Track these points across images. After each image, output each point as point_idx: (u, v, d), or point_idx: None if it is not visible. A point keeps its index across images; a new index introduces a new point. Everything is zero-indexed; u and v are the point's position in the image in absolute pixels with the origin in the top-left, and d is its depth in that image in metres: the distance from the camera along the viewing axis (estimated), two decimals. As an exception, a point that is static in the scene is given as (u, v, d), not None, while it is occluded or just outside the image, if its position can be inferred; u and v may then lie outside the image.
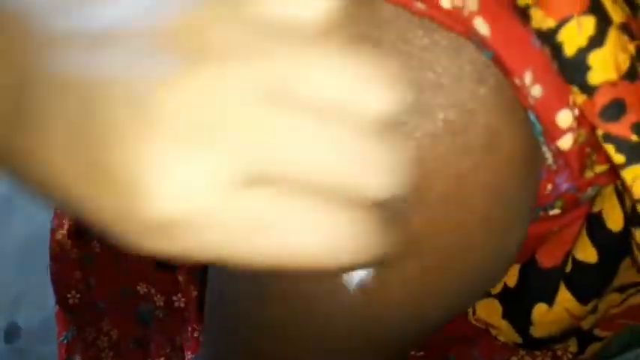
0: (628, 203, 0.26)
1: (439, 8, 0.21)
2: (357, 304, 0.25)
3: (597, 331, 0.40)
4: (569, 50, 0.21)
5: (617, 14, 0.22)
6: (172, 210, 0.14)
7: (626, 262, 0.32)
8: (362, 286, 0.21)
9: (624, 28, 0.22)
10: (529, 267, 0.34)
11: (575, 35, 0.21)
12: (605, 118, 0.23)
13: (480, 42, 0.21)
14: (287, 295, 0.26)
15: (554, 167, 0.25)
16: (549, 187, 0.26)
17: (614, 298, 0.36)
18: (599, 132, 0.23)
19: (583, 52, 0.21)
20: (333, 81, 0.15)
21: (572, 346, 0.41)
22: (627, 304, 0.37)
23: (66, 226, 0.63)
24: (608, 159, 0.25)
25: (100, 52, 0.15)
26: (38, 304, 1.21)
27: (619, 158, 0.23)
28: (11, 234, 1.34)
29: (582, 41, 0.21)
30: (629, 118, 0.23)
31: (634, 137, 0.23)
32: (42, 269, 1.23)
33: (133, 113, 0.14)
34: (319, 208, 0.15)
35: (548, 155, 0.25)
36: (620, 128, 0.23)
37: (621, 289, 0.36)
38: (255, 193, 0.14)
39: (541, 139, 0.24)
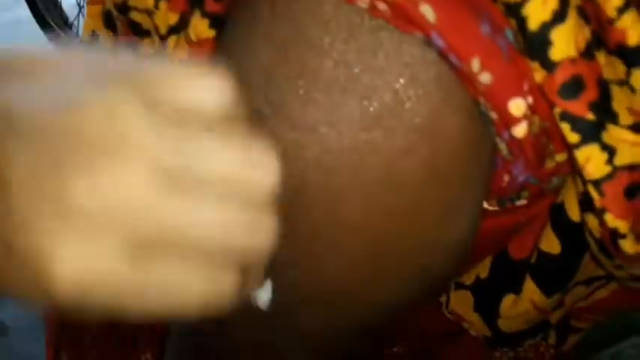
0: (580, 187, 0.26)
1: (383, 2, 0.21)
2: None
3: (574, 322, 0.41)
4: (534, 24, 0.22)
5: None
6: (67, 286, 0.16)
7: (589, 256, 0.32)
8: (269, 304, 0.22)
9: (580, 10, 0.22)
10: (500, 259, 0.35)
11: (540, 9, 0.21)
12: (563, 95, 0.23)
13: (425, 29, 0.21)
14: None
15: (509, 157, 0.25)
16: (506, 177, 0.26)
17: (580, 291, 0.36)
18: (557, 110, 0.23)
19: (546, 27, 0.22)
20: (226, 162, 0.16)
21: (551, 337, 0.42)
22: (594, 297, 0.37)
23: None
24: (565, 145, 0.25)
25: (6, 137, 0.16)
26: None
27: (573, 137, 0.24)
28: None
29: (546, 15, 0.22)
30: (587, 95, 0.23)
31: (590, 115, 0.23)
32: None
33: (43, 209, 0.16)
34: (194, 269, 0.17)
35: (502, 146, 0.25)
36: (578, 106, 0.23)
37: (587, 282, 0.36)
38: (140, 262, 0.16)
39: (492, 128, 0.24)
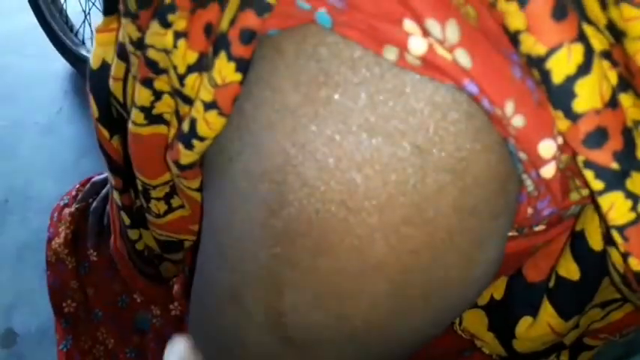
0: (603, 226, 0.26)
1: (425, 60, 0.21)
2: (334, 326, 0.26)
3: (587, 340, 0.41)
4: (558, 78, 0.21)
5: (598, 42, 0.22)
6: None
7: (607, 280, 0.31)
8: None
9: (606, 55, 0.22)
10: (516, 280, 0.34)
11: (564, 63, 0.21)
12: (588, 145, 0.23)
13: (458, 76, 0.21)
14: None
15: (535, 193, 0.25)
16: (530, 210, 0.26)
17: (595, 313, 0.36)
18: (581, 158, 0.23)
19: (571, 80, 0.22)
20: None
21: (564, 355, 0.42)
22: (608, 319, 0.37)
23: (62, 235, 0.64)
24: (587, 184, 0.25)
25: None
26: (34, 310, 1.21)
27: (597, 185, 0.23)
28: (6, 240, 1.34)
29: (571, 69, 0.21)
30: (611, 145, 0.23)
31: (614, 165, 0.23)
32: (37, 275, 1.24)
33: None
34: None
35: (529, 182, 0.25)
36: (602, 155, 0.23)
37: (602, 305, 0.36)
38: None
39: (520, 166, 0.24)
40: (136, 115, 0.30)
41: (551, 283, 0.32)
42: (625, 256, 0.25)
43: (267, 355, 0.28)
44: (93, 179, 0.67)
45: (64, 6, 1.71)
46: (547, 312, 0.32)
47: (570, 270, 0.30)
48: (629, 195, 0.23)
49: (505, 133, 0.23)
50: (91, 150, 1.50)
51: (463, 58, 0.21)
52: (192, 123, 0.25)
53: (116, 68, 0.32)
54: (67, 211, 0.65)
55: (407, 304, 0.26)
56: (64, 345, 0.62)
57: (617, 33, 0.22)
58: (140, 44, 0.27)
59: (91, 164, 1.44)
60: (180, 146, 0.27)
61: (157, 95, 0.29)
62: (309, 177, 0.23)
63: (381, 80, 0.22)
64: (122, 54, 0.31)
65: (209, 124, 0.25)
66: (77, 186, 0.68)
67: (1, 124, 1.58)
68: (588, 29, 0.22)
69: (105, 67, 0.34)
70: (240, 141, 0.25)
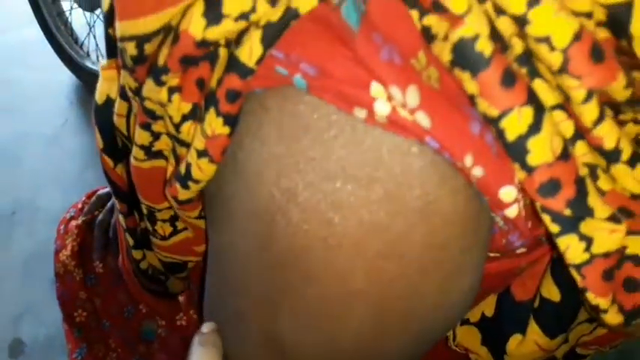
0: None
1: (386, 118, 0.23)
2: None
3: (580, 350, 0.42)
4: (511, 136, 0.23)
5: (552, 97, 0.24)
6: None
7: None
8: None
9: (559, 107, 0.24)
10: (504, 298, 0.36)
11: (516, 124, 0.23)
12: (542, 194, 0.24)
13: (420, 135, 0.23)
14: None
15: (505, 228, 0.27)
16: (503, 241, 0.29)
17: (583, 328, 0.37)
18: (538, 204, 0.25)
19: (523, 139, 0.23)
20: None
21: None
22: (596, 333, 0.38)
23: (69, 247, 0.65)
24: None
25: None
26: (41, 320, 1.22)
27: (554, 228, 0.25)
28: (14, 250, 1.35)
29: (522, 129, 0.23)
30: (564, 194, 0.24)
31: (567, 212, 0.25)
32: (44, 285, 1.25)
33: None
34: None
35: (498, 219, 0.27)
36: (556, 203, 0.25)
37: (590, 320, 0.37)
38: None
39: (487, 205, 0.26)
40: (136, 152, 0.33)
41: (536, 304, 0.34)
42: (583, 291, 0.27)
43: None
44: (98, 192, 0.69)
45: (69, 19, 1.73)
46: (533, 330, 0.34)
47: (551, 292, 0.33)
48: (583, 237, 0.25)
49: (469, 180, 0.25)
50: (96, 161, 1.50)
51: (423, 119, 0.23)
52: (188, 167, 0.28)
53: (119, 106, 0.34)
54: (73, 223, 0.66)
55: (389, 328, 0.28)
56: (77, 354, 0.63)
57: (566, 93, 0.24)
58: (138, 92, 0.29)
59: (96, 175, 1.45)
60: (178, 186, 0.30)
61: (156, 136, 0.31)
62: (292, 218, 0.25)
63: (353, 134, 0.24)
64: (124, 95, 0.33)
65: (202, 169, 0.28)
66: (83, 199, 0.69)
67: (7, 135, 1.60)
68: (541, 85, 0.23)
69: (109, 102, 0.36)
70: (235, 184, 0.27)
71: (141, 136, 0.31)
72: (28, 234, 1.38)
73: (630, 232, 0.26)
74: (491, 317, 0.37)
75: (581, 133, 0.25)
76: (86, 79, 1.72)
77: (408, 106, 0.23)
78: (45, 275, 1.27)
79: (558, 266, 0.31)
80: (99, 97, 0.37)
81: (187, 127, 0.28)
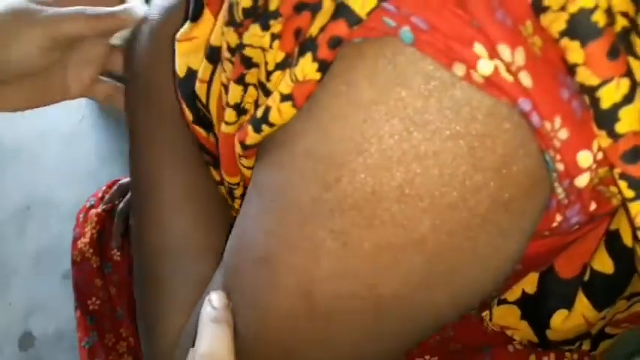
0: (631, 226, 0.30)
1: (488, 80, 0.25)
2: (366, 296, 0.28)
3: (609, 329, 0.43)
4: (606, 104, 0.25)
5: (639, 75, 0.26)
6: None
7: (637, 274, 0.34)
8: None
9: None
10: (548, 276, 0.37)
11: (613, 93, 0.25)
12: (625, 160, 0.26)
13: (520, 95, 0.25)
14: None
15: (565, 201, 0.28)
16: (559, 217, 0.29)
17: (621, 305, 0.39)
18: (617, 170, 0.27)
19: (616, 107, 0.25)
20: None
21: (586, 345, 0.44)
22: (631, 310, 0.40)
23: (88, 235, 0.65)
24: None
25: None
26: (52, 314, 1.23)
27: (629, 193, 0.27)
28: (27, 245, 1.36)
29: (617, 98, 0.25)
30: None
31: None
32: (56, 279, 1.26)
33: None
34: None
35: (560, 190, 0.28)
36: (636, 170, 0.26)
37: (628, 298, 0.38)
38: None
39: (554, 174, 0.27)
40: (228, 115, 0.33)
41: (586, 277, 0.35)
42: None
43: (288, 319, 0.30)
44: (120, 181, 0.69)
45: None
46: (582, 304, 0.35)
47: (605, 264, 0.34)
48: None
49: (546, 145, 0.26)
50: (112, 158, 1.52)
51: (525, 79, 0.25)
52: (266, 110, 0.29)
53: (203, 70, 0.35)
54: (93, 211, 0.67)
55: (434, 279, 0.28)
56: (86, 342, 0.64)
57: None
58: (236, 49, 0.31)
59: (112, 172, 1.47)
60: (250, 129, 0.30)
61: (246, 88, 0.32)
62: (372, 164, 0.26)
63: (448, 90, 0.25)
64: (212, 56, 0.34)
65: (281, 113, 0.28)
66: (104, 188, 0.70)
67: (24, 133, 1.61)
68: (634, 63, 0.25)
69: (191, 74, 0.37)
70: (308, 124, 0.28)
71: (234, 93, 0.32)
72: (42, 229, 1.39)
73: None
74: (533, 295, 0.38)
75: None
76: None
77: (515, 64, 0.24)
78: (57, 270, 1.28)
79: (614, 240, 0.33)
80: (180, 70, 0.38)
81: (277, 76, 0.29)
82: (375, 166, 0.26)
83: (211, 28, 0.36)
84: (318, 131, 0.27)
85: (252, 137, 0.30)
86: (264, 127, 0.29)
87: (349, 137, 0.26)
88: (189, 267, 0.40)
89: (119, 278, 0.65)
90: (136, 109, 0.46)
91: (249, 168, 0.34)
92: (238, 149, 0.32)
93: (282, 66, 0.28)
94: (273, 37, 0.28)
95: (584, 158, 0.27)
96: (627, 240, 0.32)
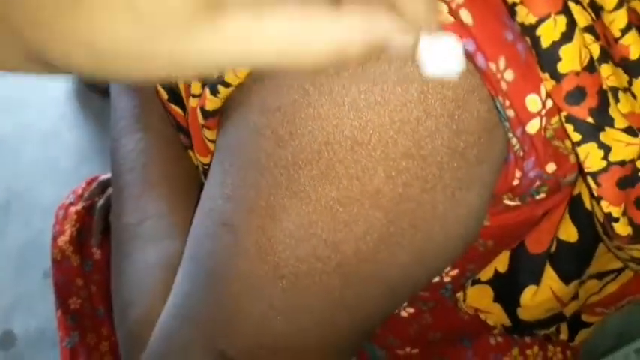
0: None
1: None
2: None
3: (585, 317, 0.43)
4: (545, 43, 0.26)
5: (583, 19, 0.26)
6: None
7: (603, 248, 0.35)
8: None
9: (589, 30, 0.26)
10: (519, 252, 0.37)
11: (551, 30, 0.26)
12: (568, 101, 0.27)
13: (462, 33, 0.25)
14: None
15: (520, 153, 0.29)
16: (518, 174, 0.29)
17: (593, 284, 0.39)
18: (563, 114, 0.27)
19: (556, 46, 0.26)
20: None
21: (563, 333, 0.44)
22: (605, 291, 0.40)
23: (68, 233, 0.64)
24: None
25: None
26: (33, 312, 1.22)
27: (576, 136, 0.27)
28: (8, 241, 1.35)
29: (556, 36, 0.26)
30: (588, 103, 0.27)
31: (589, 119, 0.27)
32: (37, 277, 1.25)
33: None
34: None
35: (514, 141, 0.28)
36: (580, 111, 0.27)
37: (599, 276, 0.39)
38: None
39: (506, 124, 0.27)
40: (194, 86, 0.33)
41: (552, 248, 0.35)
42: (598, 199, 0.29)
43: (252, 285, 0.29)
44: (99, 178, 0.68)
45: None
46: (549, 276, 0.35)
47: (569, 233, 0.34)
48: (602, 146, 0.27)
49: (495, 91, 0.26)
50: (92, 154, 1.51)
51: (466, 16, 0.25)
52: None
53: None
54: (72, 209, 0.66)
55: (396, 235, 0.28)
56: (68, 342, 0.63)
57: (597, 9, 0.27)
58: None
59: (93, 169, 1.45)
60: (207, 92, 0.30)
61: None
62: (323, 112, 0.26)
63: None
64: None
65: (236, 71, 0.28)
66: (83, 185, 0.69)
67: (5, 128, 1.59)
68: (574, 7, 0.26)
69: None
70: (260, 80, 0.28)
71: None
72: (23, 226, 1.37)
73: None
74: (504, 272, 0.38)
75: (606, 54, 0.27)
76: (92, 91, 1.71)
77: (454, 1, 0.25)
78: (38, 267, 1.26)
79: (576, 205, 0.33)
80: None
81: None
82: (328, 114, 0.26)
83: None
84: (270, 86, 0.27)
85: (210, 101, 0.30)
86: (220, 87, 0.29)
87: (301, 89, 0.26)
88: (163, 248, 0.40)
89: (100, 277, 0.65)
90: (119, 96, 0.46)
91: (212, 142, 0.34)
92: (200, 118, 0.32)
93: None
94: None
95: (533, 102, 0.27)
96: (589, 203, 0.32)
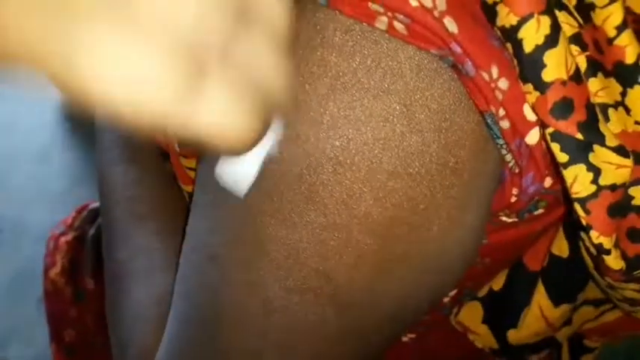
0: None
1: (413, 23, 0.23)
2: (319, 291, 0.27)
3: (587, 342, 0.41)
4: (528, 47, 0.24)
5: (569, 27, 0.24)
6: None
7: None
8: (267, 159, 0.20)
9: (575, 39, 0.25)
10: (516, 270, 0.35)
11: (534, 33, 0.23)
12: (555, 115, 0.24)
13: (447, 40, 0.23)
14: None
15: (516, 169, 0.27)
16: (515, 191, 0.28)
17: (588, 311, 0.37)
18: (549, 130, 0.25)
19: (540, 50, 0.24)
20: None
21: (565, 357, 0.42)
22: (601, 320, 0.38)
23: (59, 264, 0.63)
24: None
25: None
26: (28, 340, 1.20)
27: (563, 157, 0.25)
28: (0, 269, 1.33)
29: (539, 39, 0.24)
30: (576, 117, 0.25)
31: (579, 135, 0.25)
32: (31, 304, 1.23)
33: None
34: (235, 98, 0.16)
35: (509, 157, 0.26)
36: (568, 126, 0.25)
37: (595, 304, 0.36)
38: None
39: (500, 141, 0.26)
40: None
41: (545, 263, 0.33)
42: (587, 229, 0.26)
43: (244, 318, 0.28)
44: (90, 206, 0.67)
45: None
46: (539, 293, 0.34)
47: (562, 247, 0.32)
48: (591, 168, 0.25)
49: (487, 101, 0.24)
50: (84, 179, 1.49)
51: (450, 24, 0.23)
52: None
53: None
54: (63, 239, 0.65)
55: (389, 262, 0.26)
56: (65, 375, 0.62)
57: (586, 9, 0.25)
58: None
59: (84, 193, 1.44)
60: None
61: None
62: (302, 133, 0.24)
63: (374, 45, 0.23)
64: None
65: None
66: (73, 214, 0.68)
67: (-7, 153, 1.58)
68: (560, 15, 0.24)
69: None
70: None
71: None
72: (15, 252, 1.36)
73: (636, 182, 0.26)
74: (498, 291, 0.36)
75: (595, 66, 0.25)
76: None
77: (436, 9, 0.23)
78: (32, 294, 1.24)
79: (570, 220, 0.31)
80: None
81: None
82: (306, 135, 0.24)
83: None
84: None
85: None
86: None
87: None
88: (155, 284, 0.39)
89: (95, 306, 0.63)
90: (104, 127, 0.45)
91: (192, 169, 0.33)
92: (175, 149, 0.31)
93: None
94: None
95: (530, 111, 0.25)
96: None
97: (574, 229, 0.30)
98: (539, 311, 0.34)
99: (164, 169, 0.43)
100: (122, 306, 0.39)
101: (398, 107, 0.24)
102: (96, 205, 0.67)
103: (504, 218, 0.30)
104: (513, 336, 0.36)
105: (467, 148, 0.25)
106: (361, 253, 0.26)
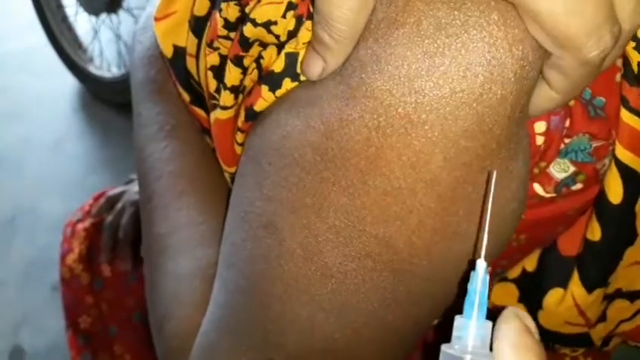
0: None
1: None
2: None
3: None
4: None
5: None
6: None
7: (631, 256, 0.32)
8: None
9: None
10: (549, 253, 0.34)
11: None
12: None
13: None
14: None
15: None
16: (542, 126, 0.27)
17: (623, 305, 0.36)
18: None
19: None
20: None
21: None
22: (637, 321, 0.37)
23: (76, 251, 0.63)
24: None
25: None
26: (41, 327, 1.21)
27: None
28: (14, 257, 1.34)
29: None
30: None
31: None
32: (44, 292, 1.24)
33: None
34: None
35: None
36: None
37: (631, 297, 0.36)
38: None
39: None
40: (225, 98, 0.31)
41: (580, 249, 0.32)
42: None
43: (299, 286, 0.28)
44: (107, 193, 0.67)
45: (74, 24, 1.73)
46: (574, 281, 0.33)
47: (594, 231, 0.31)
48: None
49: None
50: (98, 167, 1.50)
51: None
52: (293, 60, 0.26)
53: (190, 44, 0.34)
54: (80, 226, 0.65)
55: (452, 225, 0.26)
56: (80, 360, 0.62)
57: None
58: (236, 25, 0.29)
59: (98, 181, 1.44)
60: (265, 88, 0.27)
61: (245, 72, 0.30)
62: (377, 88, 0.23)
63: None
64: (197, 28, 0.33)
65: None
66: (90, 201, 0.68)
67: (9, 141, 1.58)
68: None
69: (179, 51, 0.36)
70: None
71: (232, 74, 0.30)
72: (29, 241, 1.37)
73: None
74: (532, 272, 0.35)
75: None
76: (89, 84, 1.71)
77: None
78: (46, 282, 1.25)
79: (600, 198, 0.30)
80: (166, 51, 0.36)
81: (294, 43, 0.27)
82: (380, 92, 0.23)
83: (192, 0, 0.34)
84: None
85: (266, 97, 0.27)
86: (286, 81, 0.26)
87: (355, 60, 0.24)
88: (196, 257, 0.38)
89: (111, 294, 0.63)
90: (141, 102, 0.45)
91: (240, 145, 0.32)
92: (241, 121, 0.30)
93: (294, 34, 0.27)
94: (289, 6, 0.26)
95: None
96: (612, 195, 0.29)
97: (603, 207, 0.30)
98: (572, 299, 0.33)
99: (204, 145, 0.42)
100: (161, 280, 0.39)
101: (482, 60, 0.22)
102: (113, 192, 0.67)
103: (542, 193, 0.29)
104: (544, 318, 0.35)
105: (527, 94, 0.24)
106: (423, 217, 0.25)
